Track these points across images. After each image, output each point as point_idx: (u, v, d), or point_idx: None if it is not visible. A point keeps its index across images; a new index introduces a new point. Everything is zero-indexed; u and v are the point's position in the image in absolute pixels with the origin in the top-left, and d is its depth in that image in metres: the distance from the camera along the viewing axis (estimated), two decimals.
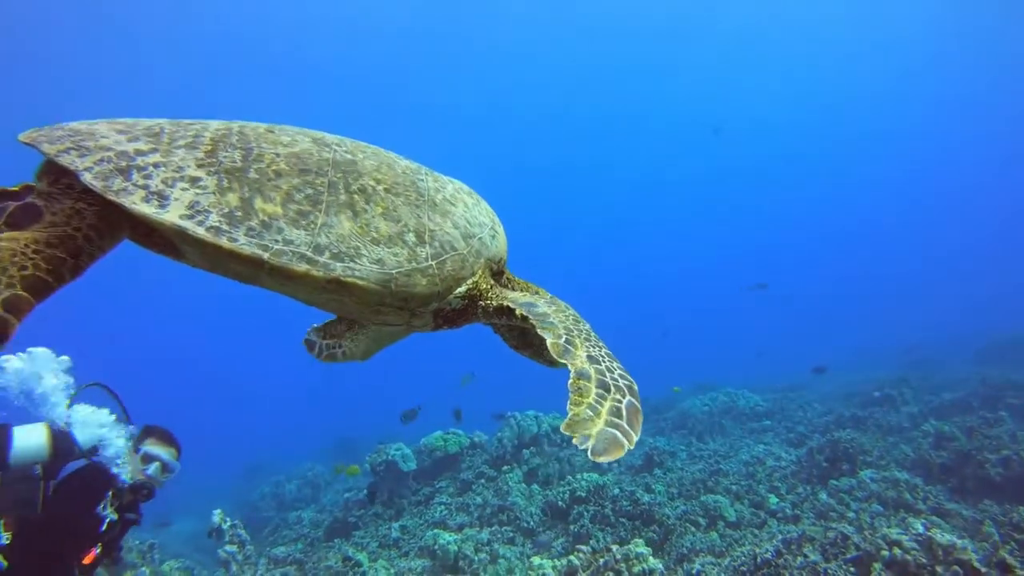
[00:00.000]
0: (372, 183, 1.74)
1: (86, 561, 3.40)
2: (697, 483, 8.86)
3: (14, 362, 3.39)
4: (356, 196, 1.68)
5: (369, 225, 1.67)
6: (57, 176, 1.54)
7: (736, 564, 5.83)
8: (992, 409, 9.99)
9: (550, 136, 53.20)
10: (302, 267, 1.54)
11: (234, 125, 1.71)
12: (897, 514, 6.93)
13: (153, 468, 3.73)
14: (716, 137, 46.85)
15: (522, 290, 2.14)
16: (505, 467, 9.76)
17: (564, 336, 1.72)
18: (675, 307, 49.52)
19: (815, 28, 42.74)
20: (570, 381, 1.56)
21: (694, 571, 6.10)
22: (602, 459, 1.33)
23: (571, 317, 1.87)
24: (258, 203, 1.54)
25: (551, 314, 1.85)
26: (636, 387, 1.60)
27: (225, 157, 1.57)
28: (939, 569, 4.71)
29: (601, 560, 4.75)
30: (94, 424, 3.63)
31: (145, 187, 1.45)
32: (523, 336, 2.28)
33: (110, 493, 3.48)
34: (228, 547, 7.46)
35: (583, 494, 8.31)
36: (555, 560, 5.61)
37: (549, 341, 1.70)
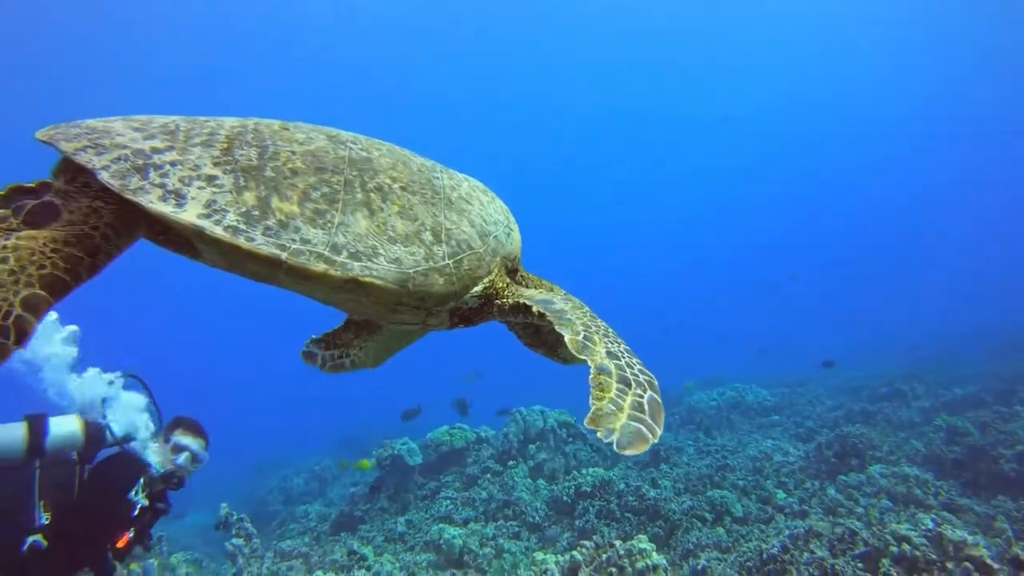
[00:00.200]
0: (388, 181, 1.73)
1: (119, 545, 3.57)
2: (704, 478, 8.79)
3: None
4: (372, 194, 1.67)
5: (386, 224, 1.65)
6: (74, 174, 1.53)
7: (742, 560, 5.77)
8: (1007, 404, 9.82)
9: (555, 133, 53.10)
10: (320, 267, 1.52)
11: (249, 122, 1.70)
12: (907, 510, 6.84)
13: (183, 458, 3.84)
14: (724, 127, 46.44)
15: (536, 287, 2.12)
16: (511, 462, 9.74)
17: (583, 332, 1.71)
18: (681, 302, 49.43)
19: (818, 21, 42.24)
20: (591, 376, 1.56)
21: (699, 567, 6.05)
22: (628, 452, 1.34)
23: (588, 313, 1.86)
24: (275, 202, 1.52)
25: (568, 311, 1.83)
26: (656, 382, 1.60)
27: (241, 155, 1.56)
28: (949, 565, 4.62)
29: (604, 555, 4.70)
30: (132, 408, 3.79)
31: (162, 186, 1.44)
32: (537, 333, 2.27)
33: (141, 480, 3.62)
34: (235, 540, 7.50)
35: (588, 489, 8.27)
36: (558, 555, 5.57)
37: (567, 337, 1.69)
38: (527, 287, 2.09)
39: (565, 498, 8.30)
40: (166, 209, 1.41)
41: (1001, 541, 5.31)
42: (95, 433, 3.51)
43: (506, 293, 1.97)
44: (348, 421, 22.38)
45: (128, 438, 3.67)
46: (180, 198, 1.44)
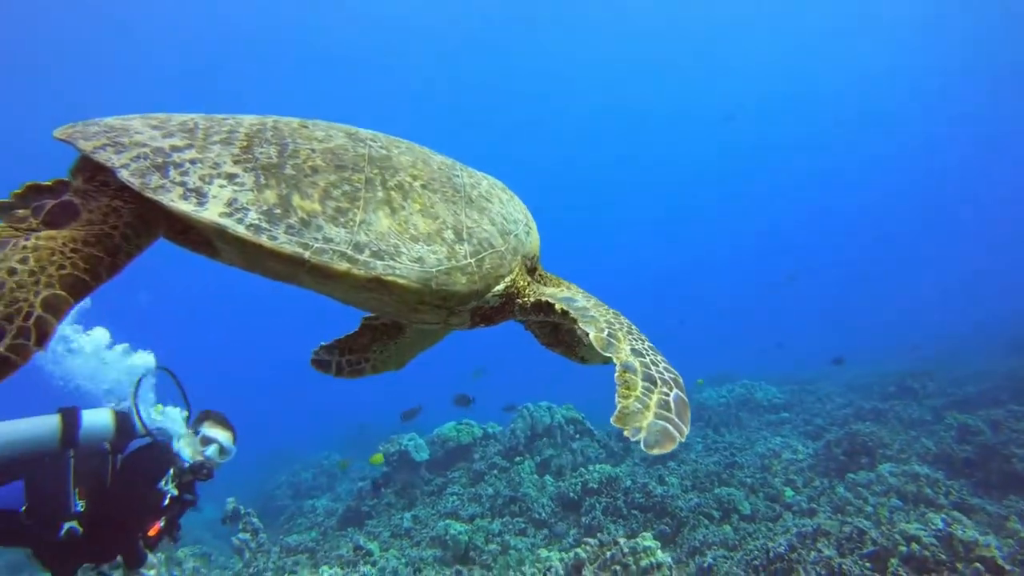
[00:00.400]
0: (409, 179, 1.72)
1: (151, 533, 3.73)
2: (711, 476, 8.73)
3: None
4: (393, 193, 1.66)
5: (407, 222, 1.64)
6: (93, 173, 1.52)
7: (748, 558, 5.73)
8: (1021, 402, 9.68)
9: (558, 131, 52.84)
10: (343, 266, 1.51)
11: (268, 120, 1.69)
12: (917, 509, 6.76)
13: (211, 450, 3.98)
14: (729, 125, 46.02)
15: (555, 286, 2.11)
16: (518, 458, 9.73)
17: (607, 329, 1.70)
18: (686, 300, 49.11)
19: (824, 12, 41.68)
20: (616, 374, 1.56)
21: (706, 564, 6.02)
22: (655, 451, 1.34)
23: (610, 311, 1.85)
24: (296, 200, 1.51)
25: (591, 308, 1.83)
26: (682, 380, 1.59)
27: (261, 153, 1.55)
28: (960, 566, 4.56)
29: (608, 553, 4.68)
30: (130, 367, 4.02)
31: (183, 184, 1.43)
32: (555, 332, 2.28)
33: (171, 470, 3.75)
34: (241, 535, 7.54)
35: (595, 486, 8.25)
36: (562, 553, 5.56)
37: (592, 334, 1.68)
38: (546, 286, 2.09)
39: (572, 495, 8.28)
40: (187, 208, 1.40)
41: (1014, 542, 5.23)
42: (126, 424, 3.66)
43: (527, 292, 1.98)
44: (357, 415, 22.45)
45: (159, 430, 3.80)
46: (201, 196, 1.43)
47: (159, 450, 3.75)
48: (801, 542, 5.56)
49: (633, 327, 1.79)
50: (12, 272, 1.26)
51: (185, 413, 3.99)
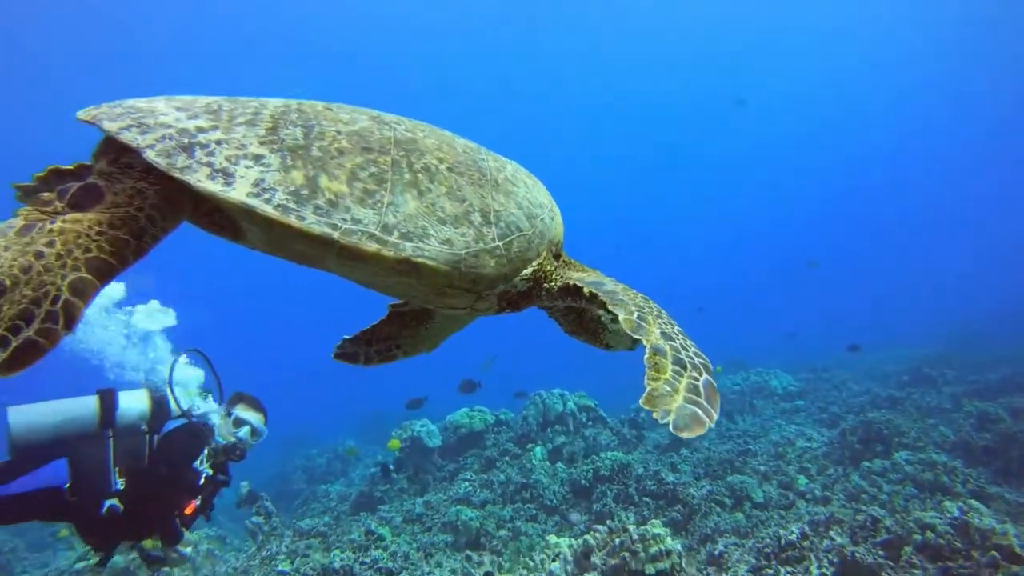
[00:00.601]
0: (435, 162, 1.70)
1: (187, 511, 3.86)
2: (724, 463, 8.68)
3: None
4: (420, 175, 1.64)
5: (435, 204, 1.63)
6: (117, 155, 1.52)
7: (760, 545, 5.69)
8: None
9: (567, 122, 52.38)
10: (372, 247, 1.50)
11: (292, 103, 1.68)
12: (933, 497, 6.66)
13: (244, 431, 4.08)
14: (740, 109, 45.30)
15: (581, 271, 2.10)
16: (529, 445, 9.75)
17: (636, 312, 1.69)
18: (709, 284, 48.75)
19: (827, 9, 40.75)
20: (646, 356, 1.55)
21: (717, 552, 5.99)
22: (684, 435, 1.33)
23: (639, 295, 1.84)
24: (323, 181, 1.50)
25: (619, 292, 1.82)
26: (711, 365, 1.58)
27: (287, 135, 1.54)
28: (975, 554, 4.49)
29: (617, 540, 4.66)
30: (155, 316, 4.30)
31: (209, 164, 1.42)
32: (579, 319, 2.28)
33: (206, 450, 3.87)
34: (255, 519, 7.65)
35: (607, 473, 8.24)
36: (571, 539, 5.55)
37: (622, 317, 1.67)
38: (572, 271, 2.08)
39: (583, 481, 8.28)
40: (215, 187, 1.39)
41: None
42: (161, 406, 3.82)
43: (554, 276, 1.97)
44: (372, 402, 22.62)
45: (192, 410, 3.94)
46: (228, 176, 1.42)
47: (195, 430, 3.86)
48: (814, 530, 5.51)
49: (663, 311, 1.77)
50: (39, 255, 1.25)
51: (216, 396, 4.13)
